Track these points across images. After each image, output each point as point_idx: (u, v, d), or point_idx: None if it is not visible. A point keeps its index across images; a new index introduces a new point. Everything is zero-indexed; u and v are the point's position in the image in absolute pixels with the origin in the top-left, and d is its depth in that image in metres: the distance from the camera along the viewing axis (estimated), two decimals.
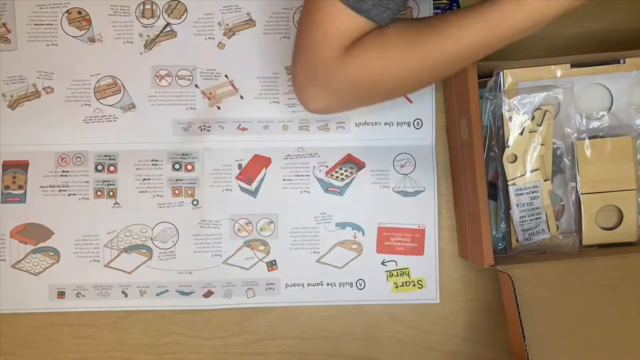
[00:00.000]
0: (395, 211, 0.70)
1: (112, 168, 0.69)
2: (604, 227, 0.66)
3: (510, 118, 0.64)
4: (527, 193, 0.65)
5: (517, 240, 0.65)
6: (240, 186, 0.70)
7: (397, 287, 0.70)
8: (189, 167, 0.69)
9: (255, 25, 0.70)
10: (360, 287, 0.70)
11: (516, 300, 0.58)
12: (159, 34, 0.70)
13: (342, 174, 0.70)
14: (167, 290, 0.69)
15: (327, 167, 0.70)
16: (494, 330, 0.70)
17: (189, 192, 0.69)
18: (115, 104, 0.69)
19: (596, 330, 0.59)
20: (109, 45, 0.69)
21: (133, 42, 0.70)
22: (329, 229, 0.70)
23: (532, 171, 0.64)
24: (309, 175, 0.70)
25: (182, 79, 0.70)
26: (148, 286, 0.69)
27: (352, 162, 0.70)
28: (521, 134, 0.64)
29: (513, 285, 0.58)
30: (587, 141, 0.65)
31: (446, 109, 0.71)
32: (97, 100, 0.69)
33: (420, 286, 0.70)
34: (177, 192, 0.69)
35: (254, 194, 0.70)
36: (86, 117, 0.69)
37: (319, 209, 0.70)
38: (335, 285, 0.70)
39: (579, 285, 0.60)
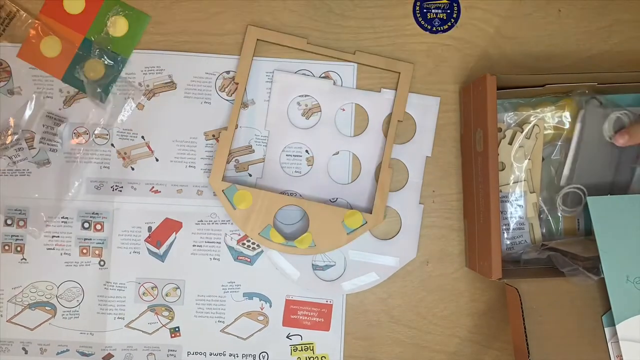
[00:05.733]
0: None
1: (21, 223, 0.69)
2: None
3: (500, 129, 0.66)
4: (510, 201, 0.66)
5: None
6: (148, 249, 0.69)
7: None
8: (98, 226, 0.69)
9: (176, 88, 0.70)
10: None
11: (522, 315, 0.59)
12: (78, 91, 0.69)
13: (253, 244, 0.69)
14: (67, 350, 0.68)
15: (239, 235, 0.69)
16: (494, 330, 0.70)
17: (97, 252, 0.69)
18: (31, 158, 0.69)
19: (600, 348, 0.60)
20: (28, 98, 0.69)
21: (52, 97, 0.69)
22: (236, 298, 0.69)
23: (518, 181, 0.66)
24: (219, 243, 0.69)
25: (98, 137, 0.69)
26: (49, 344, 0.68)
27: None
28: (510, 143, 0.67)
29: (520, 299, 0.59)
30: None
31: (461, 117, 0.70)
32: (9, 157, 0.69)
33: None
34: (84, 251, 0.69)
35: (162, 258, 0.69)
36: None
37: (228, 277, 0.69)
38: (238, 357, 0.69)
39: (585, 303, 0.61)
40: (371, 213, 0.67)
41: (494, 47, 0.71)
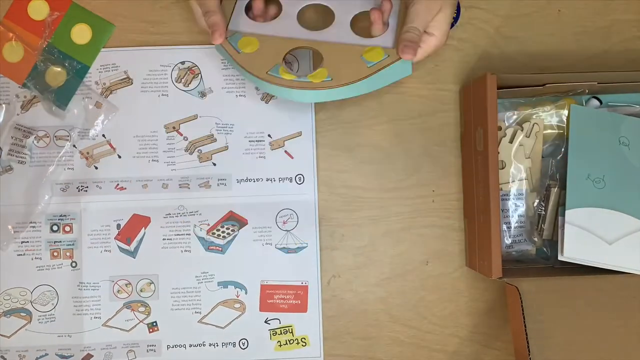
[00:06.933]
0: (278, 268, 0.69)
1: None
2: None
3: (500, 127, 0.66)
4: (511, 199, 0.67)
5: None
6: (119, 247, 0.69)
7: (280, 345, 0.69)
8: (67, 228, 0.69)
9: (132, 83, 0.69)
10: (243, 347, 0.69)
11: (523, 314, 0.59)
12: (35, 96, 0.69)
13: (223, 232, 0.69)
14: (46, 354, 0.68)
15: (209, 225, 0.69)
16: (494, 330, 0.70)
17: (68, 254, 0.69)
18: None
19: (600, 347, 0.60)
20: None
21: (10, 103, 0.69)
22: (211, 288, 0.69)
23: (518, 180, 0.67)
24: (189, 234, 0.69)
25: (60, 139, 0.69)
26: (27, 350, 0.68)
27: (234, 220, 0.69)
28: (511, 142, 0.67)
29: (521, 298, 0.59)
30: None
31: (462, 117, 0.70)
32: None
33: (304, 344, 0.69)
34: (55, 254, 0.69)
35: (133, 254, 0.69)
36: None
37: (200, 268, 0.69)
38: (217, 346, 0.69)
39: (586, 302, 0.61)
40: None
41: (494, 46, 0.71)
